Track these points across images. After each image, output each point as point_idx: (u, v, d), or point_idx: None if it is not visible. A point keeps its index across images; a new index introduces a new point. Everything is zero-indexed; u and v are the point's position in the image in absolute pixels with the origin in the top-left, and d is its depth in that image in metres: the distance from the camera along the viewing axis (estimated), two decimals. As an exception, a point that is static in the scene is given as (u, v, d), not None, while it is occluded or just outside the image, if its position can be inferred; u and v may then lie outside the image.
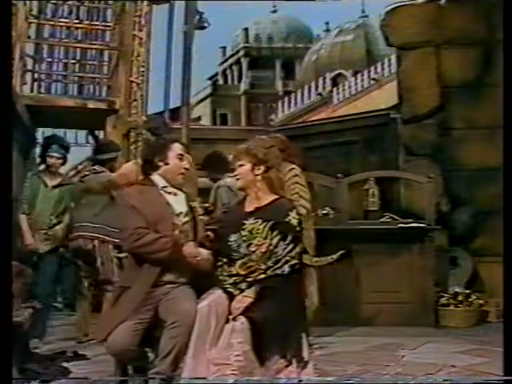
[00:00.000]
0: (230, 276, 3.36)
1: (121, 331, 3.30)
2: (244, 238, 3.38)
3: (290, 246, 3.35)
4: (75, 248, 5.55)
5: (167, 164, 3.57)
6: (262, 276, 3.31)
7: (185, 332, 3.23)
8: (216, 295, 3.32)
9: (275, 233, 3.36)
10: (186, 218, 3.54)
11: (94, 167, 5.76)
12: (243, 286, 3.33)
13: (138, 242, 3.41)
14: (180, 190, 3.63)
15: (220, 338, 3.21)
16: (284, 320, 3.30)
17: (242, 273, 3.34)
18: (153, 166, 3.60)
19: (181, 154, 3.60)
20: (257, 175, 3.48)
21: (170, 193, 3.56)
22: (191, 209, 3.61)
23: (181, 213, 3.53)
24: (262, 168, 3.49)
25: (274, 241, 3.35)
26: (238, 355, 3.13)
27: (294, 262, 3.34)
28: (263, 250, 3.33)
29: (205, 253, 3.48)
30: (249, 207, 3.49)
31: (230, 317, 3.26)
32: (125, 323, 3.31)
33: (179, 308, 3.30)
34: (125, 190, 3.85)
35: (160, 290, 3.44)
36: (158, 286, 3.44)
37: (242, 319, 3.21)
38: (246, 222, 3.41)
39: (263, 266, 3.32)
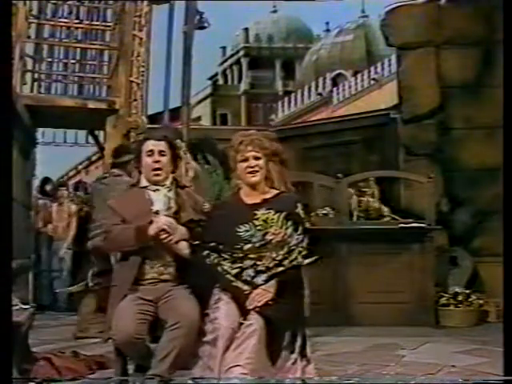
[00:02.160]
0: (233, 262, 3.30)
1: (125, 320, 3.29)
2: (259, 228, 3.33)
3: (301, 237, 3.36)
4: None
5: (141, 165, 3.63)
6: (281, 268, 3.28)
7: (185, 334, 3.21)
8: (225, 311, 3.22)
9: (289, 223, 3.36)
10: (166, 213, 3.52)
11: (114, 170, 5.87)
12: (250, 272, 3.28)
13: (105, 239, 3.53)
14: (166, 186, 3.61)
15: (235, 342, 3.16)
16: (295, 316, 3.32)
17: (251, 256, 3.29)
18: (138, 171, 3.69)
19: (150, 151, 3.58)
20: (267, 169, 3.49)
21: (154, 191, 3.59)
22: (178, 203, 3.58)
23: (158, 210, 3.52)
24: (271, 163, 3.50)
25: (289, 231, 3.34)
26: (248, 357, 3.09)
27: (305, 252, 3.34)
28: (279, 238, 3.31)
29: (180, 229, 3.44)
30: (253, 199, 3.46)
31: (246, 322, 3.19)
32: (128, 313, 3.31)
33: (180, 310, 3.29)
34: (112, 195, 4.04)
35: (157, 288, 3.44)
36: (149, 284, 3.44)
37: (257, 318, 3.17)
38: (257, 212, 3.37)
39: (274, 255, 3.29)
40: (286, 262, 3.30)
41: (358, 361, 4.83)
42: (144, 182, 3.63)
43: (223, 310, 3.22)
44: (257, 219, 3.36)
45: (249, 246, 3.31)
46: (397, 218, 7.16)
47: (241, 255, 3.30)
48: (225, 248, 3.34)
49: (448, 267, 7.25)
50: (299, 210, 3.45)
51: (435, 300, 6.69)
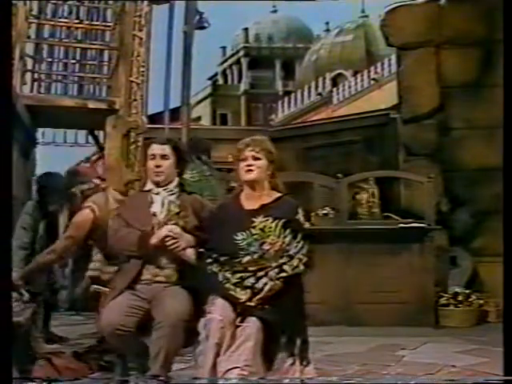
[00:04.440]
0: (234, 273, 3.27)
1: (112, 311, 3.34)
2: (256, 237, 3.30)
3: (301, 244, 3.32)
4: None
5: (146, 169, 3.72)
6: (283, 274, 3.25)
7: (170, 333, 3.23)
8: (221, 305, 3.21)
9: (288, 231, 3.32)
10: (163, 216, 3.55)
11: None
12: (252, 280, 3.24)
13: (111, 240, 3.59)
14: (168, 190, 3.65)
15: (230, 344, 3.14)
16: (294, 318, 3.30)
17: (251, 269, 3.26)
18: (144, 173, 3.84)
19: (152, 155, 3.64)
20: (267, 174, 3.45)
21: (156, 193, 3.63)
22: (181, 208, 3.61)
23: (155, 212, 3.57)
24: (271, 168, 3.46)
25: (287, 239, 3.31)
26: (246, 360, 3.08)
27: (306, 259, 3.31)
28: (276, 248, 3.28)
29: (186, 237, 3.47)
30: (252, 204, 3.42)
31: (243, 325, 3.18)
32: (116, 304, 3.36)
33: (166, 308, 3.31)
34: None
35: (152, 288, 3.45)
36: (144, 284, 3.46)
37: (255, 320, 3.16)
38: (254, 219, 3.34)
39: (274, 264, 3.26)
40: (287, 268, 3.27)
41: (358, 361, 4.84)
42: (148, 186, 3.68)
43: (217, 305, 3.21)
44: (254, 227, 3.32)
45: (247, 258, 3.28)
46: (397, 218, 7.17)
47: (241, 269, 3.28)
48: (224, 256, 3.31)
49: (448, 267, 7.26)
50: (299, 216, 3.40)
51: (435, 300, 6.70)
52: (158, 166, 3.61)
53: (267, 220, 3.34)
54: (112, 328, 3.29)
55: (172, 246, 3.43)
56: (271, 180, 3.48)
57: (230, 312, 3.19)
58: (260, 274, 3.26)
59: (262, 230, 3.32)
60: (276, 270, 3.26)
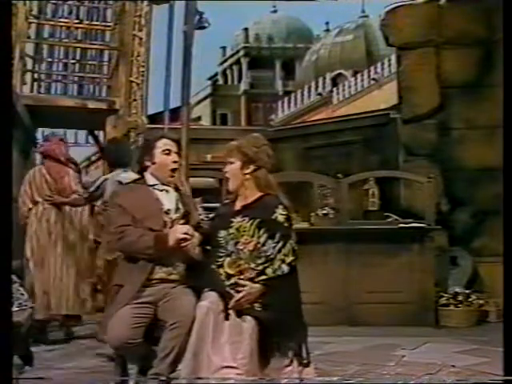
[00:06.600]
0: (228, 277, 3.30)
1: (119, 325, 3.28)
2: (231, 236, 3.35)
3: (280, 244, 3.30)
4: None
5: (154, 163, 3.56)
6: (263, 277, 3.26)
7: (185, 333, 3.21)
8: (213, 296, 3.25)
9: (262, 231, 3.32)
10: (177, 215, 3.51)
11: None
12: (237, 282, 3.28)
13: (120, 241, 3.44)
14: (173, 187, 3.60)
15: (220, 337, 3.16)
16: (288, 318, 3.29)
17: (231, 272, 3.29)
18: (143, 167, 3.61)
19: (167, 150, 3.54)
20: (245, 174, 3.44)
21: (161, 190, 3.55)
22: (185, 205, 3.58)
23: (169, 210, 3.50)
24: (251, 167, 3.44)
25: (262, 239, 3.31)
26: (243, 358, 3.09)
27: (290, 259, 3.30)
28: (250, 248, 3.29)
29: (196, 234, 3.45)
30: (237, 206, 3.46)
31: (238, 320, 3.20)
32: (123, 317, 3.29)
33: (180, 309, 3.28)
34: (115, 190, 4.00)
35: (158, 289, 3.42)
36: (154, 284, 3.42)
37: (250, 319, 3.17)
38: (233, 219, 3.38)
39: (252, 265, 3.27)
40: (268, 271, 3.27)
41: (357, 361, 4.83)
42: (152, 180, 3.57)
43: (208, 296, 3.24)
44: (231, 227, 3.36)
45: (227, 259, 3.31)
46: (397, 217, 7.16)
47: (230, 272, 3.29)
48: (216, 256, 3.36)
49: (448, 267, 7.25)
50: (277, 215, 3.36)
51: (435, 300, 6.69)
52: (175, 162, 3.55)
53: (243, 220, 3.37)
54: (120, 342, 3.26)
55: (186, 247, 3.40)
56: (255, 180, 3.45)
57: (221, 302, 3.21)
58: (242, 276, 3.28)
59: (237, 229, 3.36)
60: (257, 273, 3.27)
